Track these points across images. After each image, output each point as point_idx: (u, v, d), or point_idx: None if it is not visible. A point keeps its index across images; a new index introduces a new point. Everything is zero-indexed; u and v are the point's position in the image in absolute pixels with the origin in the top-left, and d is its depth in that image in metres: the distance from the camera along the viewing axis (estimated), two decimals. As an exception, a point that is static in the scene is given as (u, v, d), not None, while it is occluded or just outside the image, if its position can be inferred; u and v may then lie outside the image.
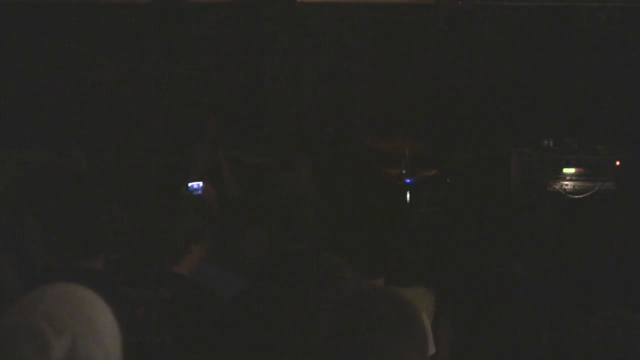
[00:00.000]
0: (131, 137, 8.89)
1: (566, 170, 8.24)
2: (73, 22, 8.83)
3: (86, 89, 8.86)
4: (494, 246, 5.16)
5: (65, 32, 8.80)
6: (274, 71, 9.11)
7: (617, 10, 8.83)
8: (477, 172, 8.53)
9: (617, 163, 8.20)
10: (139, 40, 8.93)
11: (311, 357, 2.70)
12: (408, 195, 8.25)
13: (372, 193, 8.15)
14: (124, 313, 3.76)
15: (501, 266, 5.15)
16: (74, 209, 4.48)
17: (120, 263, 4.81)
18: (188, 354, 3.75)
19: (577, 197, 8.14)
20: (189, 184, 6.35)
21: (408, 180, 8.29)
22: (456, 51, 9.00)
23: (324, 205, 6.57)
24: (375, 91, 9.17)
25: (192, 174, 6.93)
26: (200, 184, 6.37)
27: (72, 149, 8.41)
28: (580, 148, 8.35)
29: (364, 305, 2.34)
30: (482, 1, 9.00)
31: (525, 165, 8.28)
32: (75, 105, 8.83)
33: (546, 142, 8.29)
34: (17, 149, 8.32)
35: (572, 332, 2.58)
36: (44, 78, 8.80)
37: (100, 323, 1.95)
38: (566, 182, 8.22)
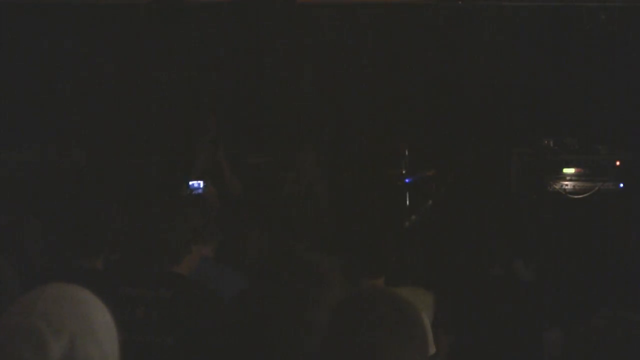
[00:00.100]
0: (131, 136, 8.89)
1: (566, 170, 8.24)
2: (73, 22, 8.83)
3: (86, 89, 8.86)
4: (493, 246, 5.16)
5: (65, 32, 8.80)
6: (274, 71, 9.11)
7: (617, 10, 8.83)
8: (477, 172, 8.54)
9: (617, 163, 8.20)
10: (139, 40, 8.93)
11: (311, 357, 2.70)
12: (408, 195, 8.25)
13: (372, 193, 8.16)
14: (124, 313, 3.77)
15: (501, 266, 5.15)
16: (74, 209, 4.49)
17: (120, 263, 4.82)
18: (188, 354, 3.76)
19: (577, 197, 8.14)
20: (190, 183, 6.36)
21: (408, 180, 8.29)
22: (456, 51, 9.00)
23: (325, 205, 6.59)
24: (375, 91, 9.17)
25: (193, 174, 6.94)
26: (201, 183, 6.38)
27: (72, 148, 8.42)
28: (580, 148, 8.35)
29: (364, 305, 2.34)
30: (482, 1, 9.01)
31: (525, 165, 8.28)
32: (76, 105, 8.83)
33: (546, 142, 8.29)
34: (17, 149, 8.32)
35: (572, 332, 2.58)
36: (44, 78, 8.80)
37: (98, 323, 1.95)
38: (566, 182, 8.22)
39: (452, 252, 5.95)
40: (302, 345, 2.81)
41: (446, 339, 4.88)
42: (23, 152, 8.30)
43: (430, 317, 4.69)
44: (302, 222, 5.13)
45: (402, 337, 2.28)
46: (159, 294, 3.88)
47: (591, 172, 8.22)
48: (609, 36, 8.81)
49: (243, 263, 4.99)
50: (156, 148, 8.82)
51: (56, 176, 7.87)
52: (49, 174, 7.92)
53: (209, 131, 7.44)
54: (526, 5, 8.98)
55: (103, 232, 4.35)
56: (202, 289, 3.98)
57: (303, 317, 2.85)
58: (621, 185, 8.16)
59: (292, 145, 8.44)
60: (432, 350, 4.11)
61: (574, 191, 8.18)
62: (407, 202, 8.22)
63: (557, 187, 8.19)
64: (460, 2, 8.88)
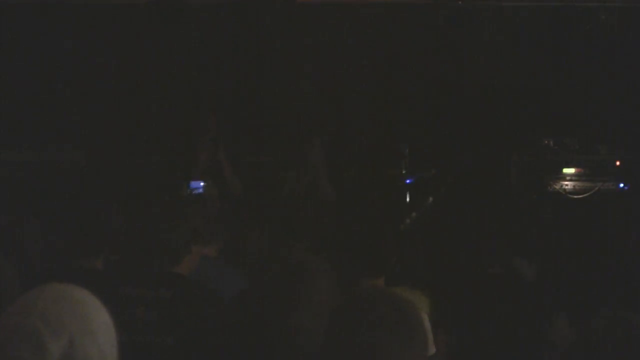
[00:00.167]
0: (131, 136, 8.90)
1: (566, 170, 8.25)
2: (73, 22, 8.83)
3: (86, 89, 8.86)
4: (493, 246, 5.16)
5: (65, 32, 8.80)
6: (274, 71, 9.11)
7: (617, 10, 8.83)
8: (477, 172, 8.53)
9: (617, 163, 8.21)
10: (139, 40, 8.93)
11: (311, 357, 2.70)
12: (408, 195, 8.25)
13: (372, 193, 8.16)
14: (124, 313, 3.76)
15: (501, 266, 5.15)
16: (74, 209, 4.49)
17: (120, 263, 4.81)
18: (188, 354, 3.75)
19: (577, 197, 8.14)
20: (191, 183, 6.37)
21: (409, 181, 8.30)
22: (456, 51, 9.01)
23: (329, 203, 6.58)
24: (375, 91, 9.17)
25: (194, 173, 6.94)
26: (202, 183, 6.39)
27: (72, 149, 8.43)
28: (580, 148, 8.35)
29: (364, 305, 2.34)
30: (482, 1, 9.01)
31: (525, 165, 8.28)
32: (75, 105, 8.83)
33: (546, 142, 8.29)
34: (17, 149, 8.33)
35: (573, 332, 2.58)
36: (44, 78, 8.80)
37: (96, 323, 1.95)
38: (566, 182, 8.22)
39: (452, 252, 5.95)
40: (295, 344, 2.81)
41: (446, 338, 4.88)
42: (23, 152, 8.31)
43: (430, 317, 4.68)
44: (302, 221, 5.13)
45: (402, 337, 2.28)
46: (159, 294, 3.88)
47: (591, 172, 8.22)
48: (609, 36, 8.81)
49: (243, 263, 4.99)
50: (156, 148, 8.82)
51: (56, 176, 7.88)
52: (49, 174, 7.92)
53: (210, 131, 7.44)
54: (526, 5, 8.98)
55: (103, 232, 4.35)
56: (202, 289, 3.98)
57: (293, 317, 2.85)
58: (621, 185, 8.16)
59: (294, 144, 8.44)
60: (432, 350, 4.11)
61: (574, 191, 8.18)
62: (407, 202, 8.22)
63: (557, 187, 8.19)
64: (460, 2, 8.88)
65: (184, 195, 6.14)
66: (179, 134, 8.76)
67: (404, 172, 8.31)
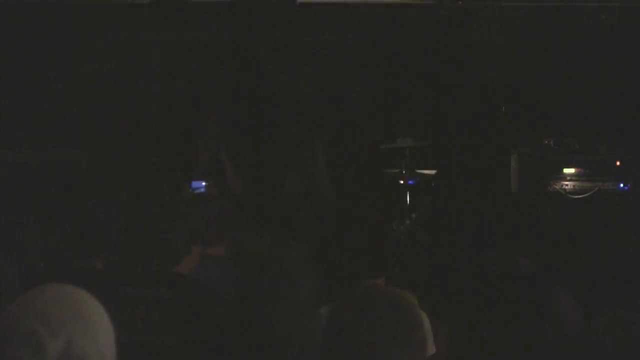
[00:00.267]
0: (132, 137, 8.89)
1: (566, 170, 8.25)
2: (73, 22, 8.83)
3: (86, 89, 8.85)
4: (493, 246, 5.16)
5: (65, 32, 8.80)
6: (274, 71, 9.11)
7: (617, 10, 8.83)
8: (477, 172, 8.53)
9: (617, 163, 8.21)
10: (139, 40, 8.93)
11: (311, 357, 2.70)
12: (408, 195, 8.25)
13: (372, 193, 8.16)
14: (124, 313, 3.77)
15: (501, 266, 5.14)
16: (74, 209, 4.49)
17: (120, 263, 4.81)
18: (188, 354, 3.76)
19: (577, 197, 8.14)
20: (192, 183, 6.37)
21: (411, 182, 8.30)
22: (456, 51, 9.00)
23: (330, 203, 6.58)
24: (375, 91, 9.17)
25: (195, 173, 6.95)
26: (203, 183, 6.39)
27: (72, 149, 8.43)
28: (580, 148, 8.35)
29: (364, 305, 2.34)
30: (482, 1, 9.00)
31: (525, 165, 8.28)
32: (76, 105, 8.83)
33: (546, 142, 8.29)
34: (17, 149, 8.33)
35: (573, 332, 2.58)
36: (44, 78, 8.80)
37: (95, 323, 1.94)
38: (566, 182, 8.22)
39: (452, 251, 5.94)
40: (301, 344, 2.81)
41: (446, 338, 4.88)
42: (23, 152, 8.30)
43: (430, 317, 4.68)
44: (302, 221, 5.12)
45: (402, 337, 2.28)
46: (159, 294, 3.88)
47: (591, 172, 8.22)
48: (609, 36, 8.81)
49: (243, 263, 4.98)
50: (157, 148, 8.82)
51: (56, 176, 7.88)
52: (49, 174, 7.92)
53: (210, 130, 7.45)
54: (526, 5, 8.98)
55: (103, 232, 4.35)
56: (202, 289, 3.98)
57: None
58: (621, 185, 8.16)
59: (294, 144, 8.44)
60: (432, 350, 4.11)
61: (574, 191, 8.18)
62: (408, 202, 8.22)
63: (557, 187, 8.19)
64: (460, 2, 8.88)
65: (184, 195, 6.15)
66: (180, 133, 8.76)
67: (404, 172, 8.31)
